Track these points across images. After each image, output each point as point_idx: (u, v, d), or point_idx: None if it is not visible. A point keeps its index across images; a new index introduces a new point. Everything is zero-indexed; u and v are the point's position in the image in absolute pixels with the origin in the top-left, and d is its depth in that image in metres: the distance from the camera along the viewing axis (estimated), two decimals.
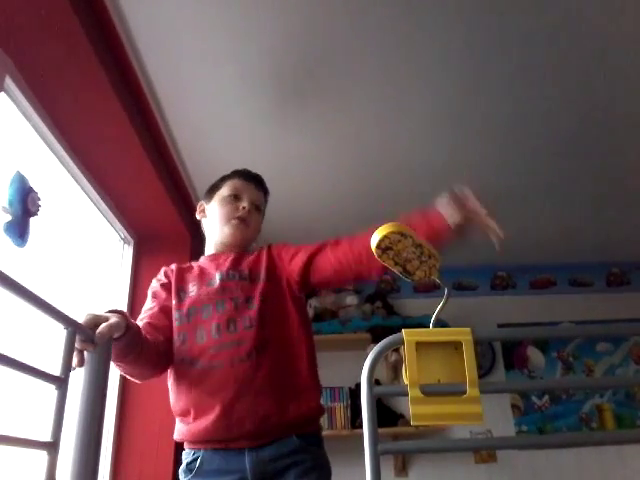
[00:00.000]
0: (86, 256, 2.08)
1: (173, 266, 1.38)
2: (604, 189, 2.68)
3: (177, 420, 1.24)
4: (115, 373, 2.20)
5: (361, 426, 0.78)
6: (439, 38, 1.71)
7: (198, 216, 1.47)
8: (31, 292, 0.69)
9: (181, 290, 1.30)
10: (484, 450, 2.97)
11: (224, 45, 1.69)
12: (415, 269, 0.90)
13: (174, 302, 1.28)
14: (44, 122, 1.64)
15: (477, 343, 0.84)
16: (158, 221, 2.39)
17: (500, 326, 3.23)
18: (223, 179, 1.45)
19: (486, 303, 3.42)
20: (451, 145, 2.28)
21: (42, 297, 0.72)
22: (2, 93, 1.41)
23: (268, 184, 1.50)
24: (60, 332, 0.81)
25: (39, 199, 1.39)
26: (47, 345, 1.24)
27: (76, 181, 1.93)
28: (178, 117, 2.00)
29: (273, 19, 1.61)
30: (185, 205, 2.51)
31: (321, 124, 2.10)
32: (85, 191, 2.01)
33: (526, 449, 2.93)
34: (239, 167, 1.44)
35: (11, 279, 0.65)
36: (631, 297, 3.48)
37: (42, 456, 0.70)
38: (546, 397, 3.21)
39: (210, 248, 1.41)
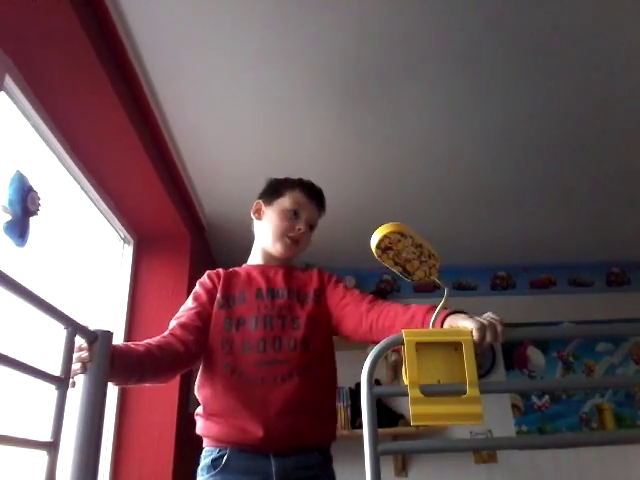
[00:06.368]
0: (86, 256, 2.08)
1: (220, 270, 1.39)
2: (604, 189, 2.68)
3: (203, 417, 1.24)
4: None
5: (361, 426, 0.78)
6: (438, 40, 1.72)
7: (253, 216, 1.46)
8: (31, 292, 0.69)
9: (229, 297, 1.32)
10: (484, 450, 2.97)
11: (225, 46, 1.69)
12: (415, 269, 0.90)
13: (222, 310, 1.29)
14: (44, 122, 1.64)
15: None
16: (158, 221, 2.39)
17: None
18: (287, 186, 1.44)
19: (486, 303, 3.42)
20: (451, 145, 2.28)
21: (42, 297, 0.72)
22: (2, 93, 1.41)
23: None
24: (60, 332, 0.81)
25: (39, 199, 1.39)
26: (47, 345, 1.24)
27: (76, 181, 1.93)
28: (178, 117, 2.00)
29: (273, 19, 1.61)
30: (185, 205, 2.51)
31: (320, 126, 2.10)
32: (85, 191, 2.01)
33: (526, 449, 2.92)
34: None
35: (11, 279, 0.65)
36: (631, 297, 3.49)
37: (42, 456, 0.70)
38: (546, 397, 3.21)
39: (258, 254, 1.43)
